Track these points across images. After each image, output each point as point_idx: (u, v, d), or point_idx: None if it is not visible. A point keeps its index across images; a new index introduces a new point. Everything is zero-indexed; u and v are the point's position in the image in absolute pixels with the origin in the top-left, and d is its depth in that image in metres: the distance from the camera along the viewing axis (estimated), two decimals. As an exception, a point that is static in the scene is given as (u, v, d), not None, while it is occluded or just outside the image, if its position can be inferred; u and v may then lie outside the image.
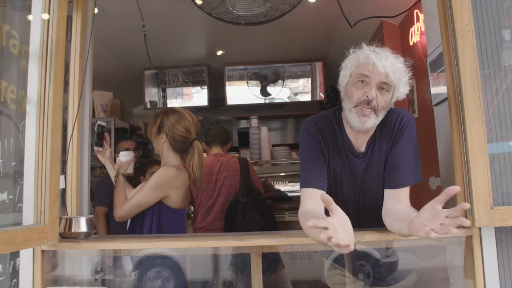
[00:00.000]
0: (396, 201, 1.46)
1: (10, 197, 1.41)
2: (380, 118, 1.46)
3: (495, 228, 1.38)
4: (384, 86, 1.41)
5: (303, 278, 2.35)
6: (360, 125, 1.44)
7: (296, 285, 2.42)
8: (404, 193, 1.48)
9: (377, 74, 1.39)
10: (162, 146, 2.15)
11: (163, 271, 1.98)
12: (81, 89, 1.81)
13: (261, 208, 2.71)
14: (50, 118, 1.41)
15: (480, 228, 1.39)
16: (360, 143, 1.55)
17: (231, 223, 2.62)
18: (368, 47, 1.46)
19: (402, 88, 1.44)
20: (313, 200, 1.48)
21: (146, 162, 3.36)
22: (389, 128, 1.53)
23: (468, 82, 1.42)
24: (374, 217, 1.49)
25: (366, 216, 1.58)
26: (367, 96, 1.41)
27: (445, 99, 1.64)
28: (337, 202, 1.57)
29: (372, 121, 1.44)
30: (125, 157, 2.19)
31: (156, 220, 2.06)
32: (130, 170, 2.24)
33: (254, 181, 2.84)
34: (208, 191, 2.75)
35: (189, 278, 1.99)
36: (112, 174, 2.21)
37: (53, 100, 1.42)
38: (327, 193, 1.52)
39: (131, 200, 2.03)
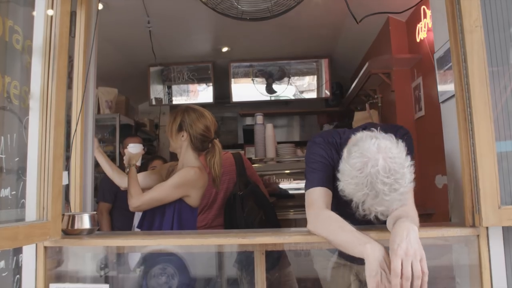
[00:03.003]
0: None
1: (13, 193, 1.41)
2: None
3: (503, 227, 1.36)
4: None
5: (308, 276, 2.34)
6: None
7: (301, 283, 2.41)
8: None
9: None
10: (182, 145, 2.15)
11: (168, 268, 1.98)
12: (85, 84, 1.81)
13: (259, 200, 2.71)
14: (53, 114, 1.40)
15: (487, 228, 1.36)
16: None
17: (230, 217, 2.62)
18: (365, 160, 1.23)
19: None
20: (325, 199, 1.48)
21: (147, 158, 3.38)
22: None
23: (476, 79, 1.39)
24: None
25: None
26: None
27: (452, 96, 1.62)
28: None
29: None
30: (134, 149, 2.22)
31: (177, 217, 2.08)
32: (138, 162, 2.25)
33: (250, 174, 2.83)
34: (207, 189, 2.75)
35: (194, 275, 1.99)
36: (103, 166, 2.24)
37: (56, 96, 1.41)
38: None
39: (151, 193, 2.05)
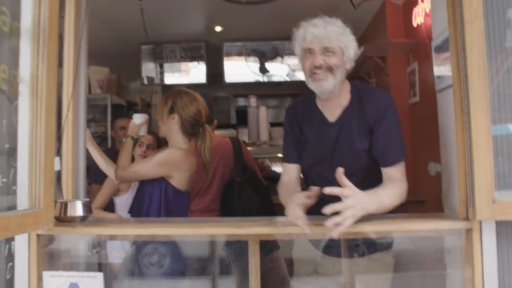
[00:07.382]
0: (388, 178, 1.53)
1: (4, 180, 1.38)
2: (339, 77, 1.55)
3: (496, 221, 1.36)
4: (328, 50, 1.52)
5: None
6: (319, 89, 1.56)
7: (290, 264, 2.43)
8: (395, 170, 1.54)
9: (314, 43, 1.52)
10: (172, 128, 2.13)
11: (160, 247, 1.99)
12: (76, 67, 1.75)
13: (257, 187, 2.71)
14: (44, 100, 1.36)
15: (480, 221, 1.37)
16: (330, 112, 1.65)
17: (228, 203, 2.62)
18: (304, 23, 1.59)
19: (349, 45, 1.57)
20: (289, 174, 1.72)
21: None
22: (368, 105, 1.59)
23: (475, 71, 1.37)
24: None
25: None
26: (314, 64, 1.52)
27: (450, 86, 1.60)
28: (311, 172, 1.72)
29: (331, 82, 1.53)
30: (138, 119, 2.21)
31: (164, 200, 2.08)
32: (143, 132, 2.25)
33: (247, 159, 2.83)
34: (203, 173, 2.74)
35: (186, 257, 2.00)
36: (95, 157, 2.26)
37: (47, 81, 1.37)
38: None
39: (135, 166, 2.09)
